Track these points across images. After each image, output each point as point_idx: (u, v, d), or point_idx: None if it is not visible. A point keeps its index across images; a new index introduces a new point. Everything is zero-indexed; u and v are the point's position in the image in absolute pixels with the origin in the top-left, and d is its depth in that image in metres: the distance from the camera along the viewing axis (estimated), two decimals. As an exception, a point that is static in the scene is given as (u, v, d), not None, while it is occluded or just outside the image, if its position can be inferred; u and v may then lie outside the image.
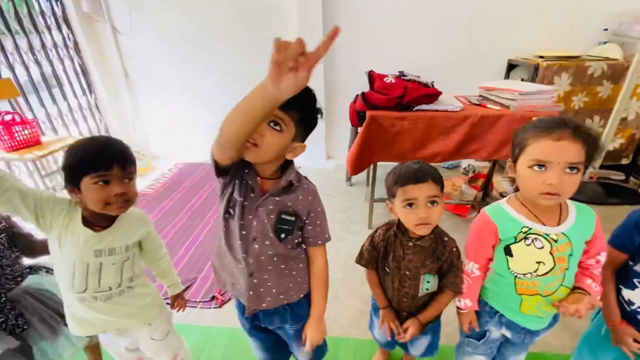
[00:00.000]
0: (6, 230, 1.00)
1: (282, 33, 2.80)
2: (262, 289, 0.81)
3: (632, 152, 2.54)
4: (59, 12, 2.77)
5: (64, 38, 2.83)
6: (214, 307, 1.56)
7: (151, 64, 3.06)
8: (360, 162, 1.74)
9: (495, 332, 0.93)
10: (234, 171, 0.76)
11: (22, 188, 0.77)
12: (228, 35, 2.89)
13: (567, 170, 0.68)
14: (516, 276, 0.79)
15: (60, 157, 2.41)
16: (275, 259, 0.80)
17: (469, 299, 0.89)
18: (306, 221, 0.80)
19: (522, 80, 2.60)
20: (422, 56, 2.74)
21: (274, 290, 0.82)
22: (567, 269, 0.77)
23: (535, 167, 0.71)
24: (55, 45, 2.75)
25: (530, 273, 0.77)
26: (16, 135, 2.22)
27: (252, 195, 0.76)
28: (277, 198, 0.76)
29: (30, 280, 1.04)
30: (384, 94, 1.71)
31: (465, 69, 2.73)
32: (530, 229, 0.76)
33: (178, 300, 1.08)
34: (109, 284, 0.87)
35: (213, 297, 1.61)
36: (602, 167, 2.50)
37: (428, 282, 0.93)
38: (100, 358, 1.23)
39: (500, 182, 2.59)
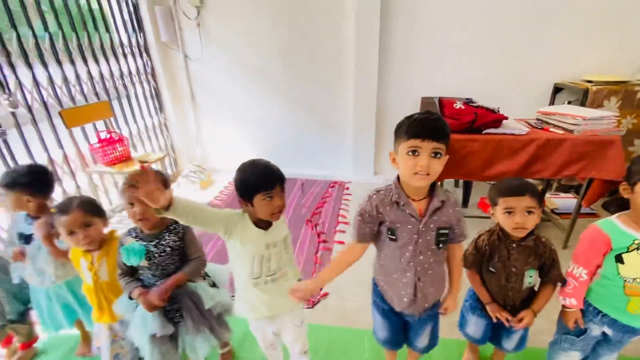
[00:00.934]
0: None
1: (339, 61, 3.07)
2: (426, 291, 1.01)
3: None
4: (141, 41, 3.12)
5: (143, 64, 3.17)
6: (307, 307, 1.74)
7: (216, 87, 3.37)
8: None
9: (596, 330, 1.07)
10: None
11: (217, 214, 1.00)
12: (288, 61, 3.16)
13: None
14: (626, 280, 0.95)
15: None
16: (433, 264, 0.99)
17: (575, 298, 1.04)
18: (455, 227, 0.99)
19: (569, 103, 2.75)
20: (470, 80, 2.93)
21: (431, 289, 1.02)
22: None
23: None
24: (137, 71, 3.09)
25: (640, 278, 0.94)
26: (113, 151, 2.52)
27: (412, 219, 0.95)
28: (434, 218, 0.95)
29: (190, 284, 1.25)
30: (455, 119, 1.90)
31: (513, 92, 2.90)
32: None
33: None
34: (274, 269, 1.08)
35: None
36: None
37: (530, 276, 1.11)
38: None
39: (549, 199, 2.71)
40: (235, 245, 1.05)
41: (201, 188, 3.34)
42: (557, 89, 2.88)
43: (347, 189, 3.15)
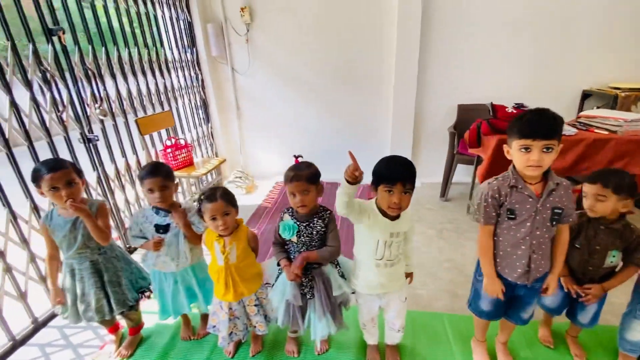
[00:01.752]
0: None
1: (379, 70, 3.29)
2: (538, 262, 1.18)
3: None
4: (193, 57, 3.36)
5: (193, 78, 3.40)
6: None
7: (260, 98, 3.58)
8: (490, 175, 2.10)
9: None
10: None
11: (358, 202, 1.18)
12: (329, 72, 3.38)
13: None
14: None
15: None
16: (547, 239, 1.16)
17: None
18: (567, 208, 1.15)
19: (598, 107, 2.96)
20: (504, 88, 3.14)
21: (543, 262, 1.18)
22: None
23: None
24: (188, 84, 3.31)
25: None
26: (179, 157, 2.71)
27: (530, 199, 1.12)
28: (550, 198, 1.12)
29: (324, 268, 1.37)
30: (508, 121, 2.09)
31: (545, 98, 3.09)
32: None
33: (410, 277, 1.43)
34: (394, 255, 1.25)
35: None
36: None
37: (613, 256, 1.27)
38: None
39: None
40: (364, 230, 1.22)
41: (246, 192, 3.53)
42: (586, 95, 3.09)
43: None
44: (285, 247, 1.36)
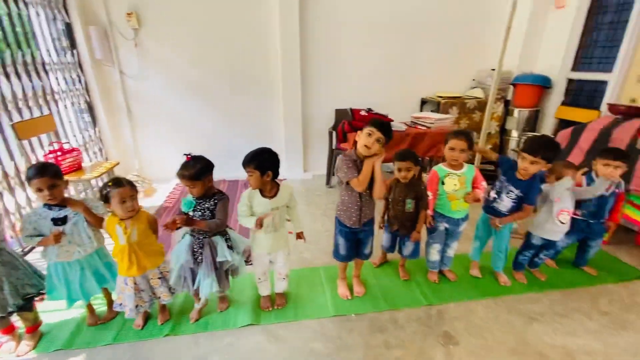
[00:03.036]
0: None
1: (269, 76, 3.75)
2: (364, 212, 1.77)
3: (497, 152, 4.12)
4: (75, 59, 3.24)
5: (75, 80, 3.28)
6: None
7: (154, 101, 3.66)
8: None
9: (441, 226, 2.01)
10: None
11: (246, 204, 1.62)
12: (224, 77, 3.70)
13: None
14: (447, 193, 1.90)
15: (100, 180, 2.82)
16: (369, 194, 1.75)
17: (430, 209, 1.96)
18: None
19: (432, 111, 4.02)
20: (368, 94, 3.96)
21: (368, 211, 1.79)
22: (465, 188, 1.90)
23: None
24: (68, 87, 3.18)
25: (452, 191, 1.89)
26: (65, 162, 2.67)
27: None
28: None
29: (213, 238, 1.71)
30: (362, 121, 2.80)
31: (395, 102, 4.02)
32: (449, 172, 1.88)
33: (301, 235, 1.90)
34: (277, 222, 1.70)
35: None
36: (481, 162, 4.01)
37: (409, 204, 1.97)
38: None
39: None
40: (255, 207, 1.66)
41: (145, 196, 3.56)
42: (423, 102, 4.15)
43: (283, 184, 3.82)
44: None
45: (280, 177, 1.68)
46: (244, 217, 1.65)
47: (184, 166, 1.59)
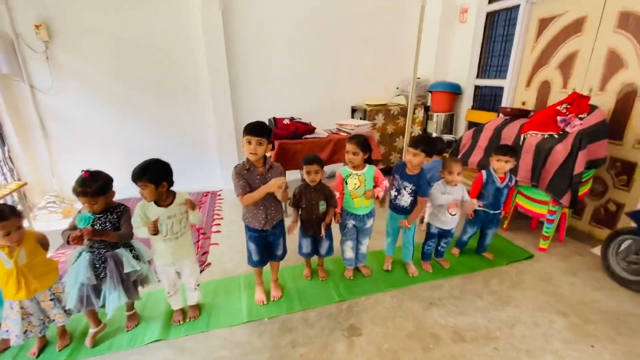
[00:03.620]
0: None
1: (197, 89, 3.73)
2: (272, 214, 1.84)
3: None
4: (-27, 73, 2.99)
5: (-22, 96, 3.02)
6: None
7: (72, 117, 3.47)
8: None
9: (349, 223, 2.13)
10: None
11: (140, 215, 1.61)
12: (149, 90, 3.62)
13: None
14: (350, 191, 2.03)
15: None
16: (274, 199, 1.82)
17: (338, 208, 2.08)
18: None
19: (361, 118, 4.24)
20: (297, 103, 4.09)
21: (276, 214, 1.87)
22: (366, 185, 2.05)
23: None
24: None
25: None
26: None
27: (258, 177, 1.76)
28: (269, 175, 1.79)
29: (117, 251, 1.67)
30: (284, 130, 2.89)
31: (327, 110, 4.20)
32: (351, 173, 2.02)
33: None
34: (177, 230, 1.70)
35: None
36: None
37: (322, 205, 2.07)
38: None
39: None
40: (151, 218, 1.64)
41: (64, 217, 3.33)
42: (354, 110, 4.37)
43: (219, 196, 3.78)
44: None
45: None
46: (137, 228, 1.63)
47: (83, 183, 1.54)
